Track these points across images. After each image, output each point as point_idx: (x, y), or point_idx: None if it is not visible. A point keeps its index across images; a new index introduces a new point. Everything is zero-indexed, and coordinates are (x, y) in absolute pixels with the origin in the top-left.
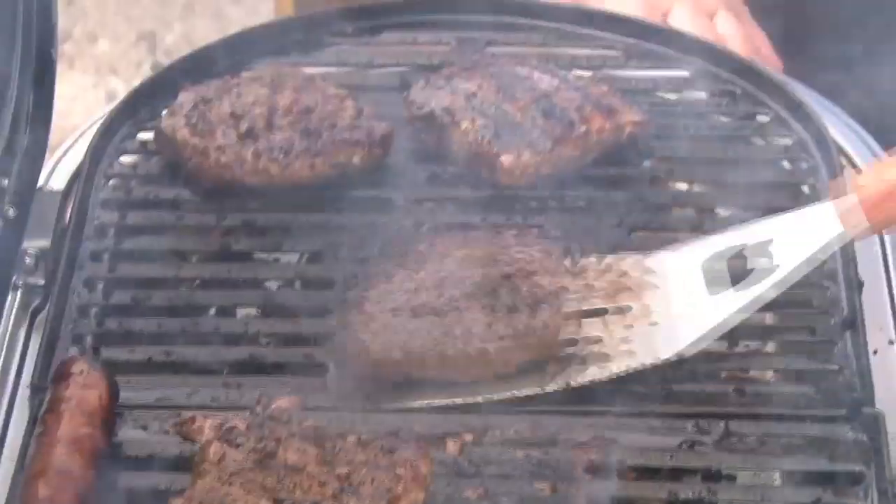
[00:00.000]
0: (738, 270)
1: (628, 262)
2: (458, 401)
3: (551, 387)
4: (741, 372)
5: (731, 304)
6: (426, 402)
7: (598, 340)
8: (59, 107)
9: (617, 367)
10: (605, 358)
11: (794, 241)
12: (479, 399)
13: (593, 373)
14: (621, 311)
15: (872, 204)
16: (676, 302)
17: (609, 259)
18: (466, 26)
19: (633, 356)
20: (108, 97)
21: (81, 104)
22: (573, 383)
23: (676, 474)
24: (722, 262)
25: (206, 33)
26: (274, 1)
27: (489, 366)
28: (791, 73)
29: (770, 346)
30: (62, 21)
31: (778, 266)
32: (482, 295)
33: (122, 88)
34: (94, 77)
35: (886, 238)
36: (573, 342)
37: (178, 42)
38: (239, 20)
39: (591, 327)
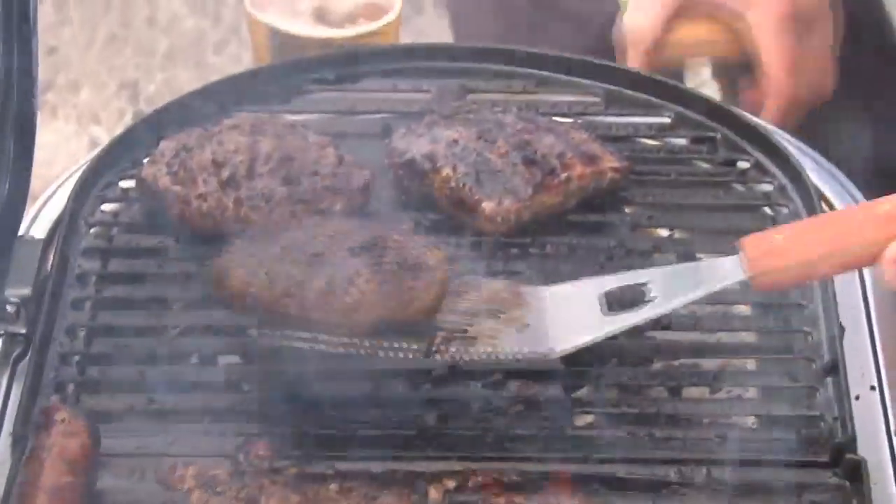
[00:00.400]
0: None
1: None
2: (322, 344)
3: (427, 355)
4: (723, 418)
5: (622, 321)
6: (306, 340)
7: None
8: (42, 155)
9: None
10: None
11: (695, 281)
12: (346, 348)
13: (475, 352)
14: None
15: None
16: (563, 313)
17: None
18: (446, 73)
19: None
20: (91, 145)
21: (64, 152)
22: (454, 358)
23: None
24: (619, 292)
25: (187, 82)
26: (254, 49)
27: (348, 314)
28: None
29: (751, 392)
30: (44, 70)
31: (674, 298)
32: (357, 253)
33: (104, 137)
34: (76, 126)
35: (868, 283)
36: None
37: (160, 90)
38: (220, 68)
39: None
